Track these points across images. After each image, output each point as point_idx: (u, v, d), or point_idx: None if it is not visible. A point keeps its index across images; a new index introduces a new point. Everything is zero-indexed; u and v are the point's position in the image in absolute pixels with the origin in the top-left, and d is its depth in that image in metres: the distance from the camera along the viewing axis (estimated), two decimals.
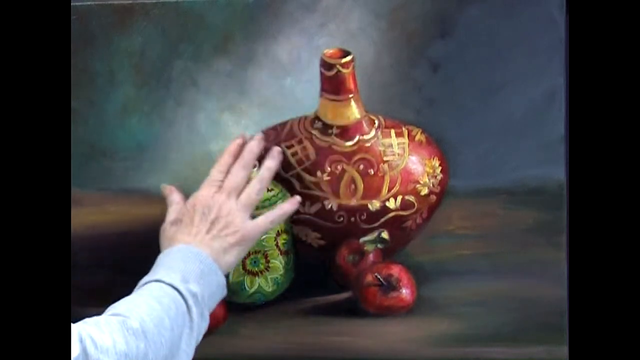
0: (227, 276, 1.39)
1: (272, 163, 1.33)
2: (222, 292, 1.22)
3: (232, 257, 1.24)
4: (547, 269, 1.40)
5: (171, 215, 1.27)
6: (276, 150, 1.35)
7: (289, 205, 1.33)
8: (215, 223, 1.24)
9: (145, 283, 1.15)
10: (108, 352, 1.03)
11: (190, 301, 1.14)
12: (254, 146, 1.34)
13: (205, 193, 1.28)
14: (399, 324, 1.40)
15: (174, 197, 1.30)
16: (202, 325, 1.16)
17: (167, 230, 1.25)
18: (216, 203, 1.26)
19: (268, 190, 1.38)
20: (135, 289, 1.15)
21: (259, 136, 1.35)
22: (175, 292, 1.14)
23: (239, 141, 1.34)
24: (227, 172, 1.30)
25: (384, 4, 1.43)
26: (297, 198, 1.34)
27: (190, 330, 1.13)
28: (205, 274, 1.18)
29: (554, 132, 1.41)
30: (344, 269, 1.44)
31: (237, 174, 1.30)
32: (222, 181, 1.29)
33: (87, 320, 1.06)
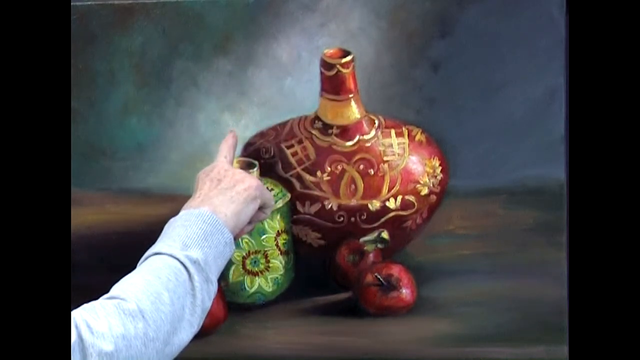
0: (226, 275, 1.40)
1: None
2: (230, 251, 1.19)
3: (240, 206, 1.21)
4: (547, 269, 1.40)
5: None
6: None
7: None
8: (221, 181, 1.23)
9: (146, 258, 1.15)
10: (104, 336, 1.02)
11: (192, 269, 1.12)
12: (229, 138, 1.33)
13: (209, 165, 1.27)
14: (399, 324, 1.40)
15: None
16: (209, 289, 1.14)
17: None
18: (217, 167, 1.25)
19: (268, 190, 1.38)
20: (137, 265, 1.15)
21: (231, 133, 1.34)
22: (175, 261, 1.12)
23: (230, 134, 1.34)
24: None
25: (384, 3, 1.43)
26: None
27: (193, 299, 1.12)
28: (209, 234, 1.16)
29: (554, 132, 1.41)
30: (344, 269, 1.44)
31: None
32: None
33: (84, 306, 1.06)
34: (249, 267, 1.40)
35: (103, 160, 1.49)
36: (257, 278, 1.41)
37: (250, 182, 1.23)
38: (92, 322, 1.03)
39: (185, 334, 1.11)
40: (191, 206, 1.20)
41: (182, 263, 1.12)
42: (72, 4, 1.41)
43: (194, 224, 1.16)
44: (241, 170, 1.26)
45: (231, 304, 1.41)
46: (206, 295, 1.13)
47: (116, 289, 1.10)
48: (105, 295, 1.09)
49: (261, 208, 1.26)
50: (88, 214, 1.49)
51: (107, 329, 1.03)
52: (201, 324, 1.14)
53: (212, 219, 1.17)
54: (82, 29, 1.45)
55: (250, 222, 1.26)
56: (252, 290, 1.42)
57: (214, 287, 1.15)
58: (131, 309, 1.06)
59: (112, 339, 1.03)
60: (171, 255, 1.12)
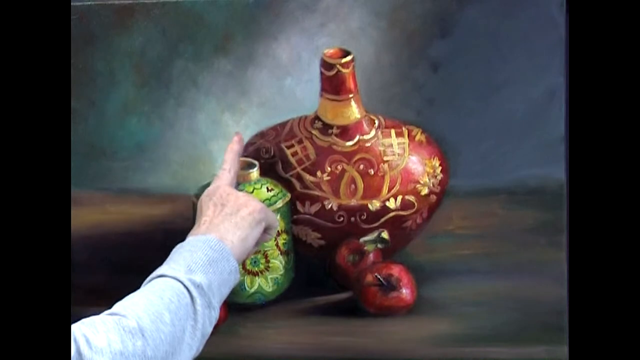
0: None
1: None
2: (234, 279, 1.19)
3: (246, 231, 1.21)
4: (547, 269, 1.40)
5: None
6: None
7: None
8: (224, 206, 1.23)
9: (151, 279, 1.15)
10: (103, 352, 1.02)
11: (195, 292, 1.12)
12: (234, 143, 1.32)
13: (212, 186, 1.27)
14: (399, 324, 1.40)
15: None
16: (210, 315, 1.14)
17: None
18: (219, 191, 1.25)
19: (268, 190, 1.38)
20: (142, 286, 1.15)
21: (237, 137, 1.34)
22: (179, 284, 1.12)
23: (236, 139, 1.33)
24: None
25: (384, 3, 1.43)
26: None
27: (194, 323, 1.12)
28: (215, 261, 1.16)
29: (554, 132, 1.41)
30: (344, 268, 1.44)
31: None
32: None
33: (83, 320, 1.06)
34: (249, 267, 1.40)
35: (103, 160, 1.49)
36: (257, 278, 1.41)
37: (254, 205, 1.23)
38: (91, 337, 1.03)
39: (184, 357, 1.11)
40: (198, 233, 1.20)
41: (185, 286, 1.12)
42: (72, 4, 1.41)
43: (200, 250, 1.16)
44: (244, 193, 1.26)
45: (231, 304, 1.41)
46: (207, 320, 1.13)
47: (118, 306, 1.10)
48: (106, 312, 1.09)
49: (266, 229, 1.26)
50: (88, 214, 1.49)
51: (105, 345, 1.03)
52: (201, 349, 1.14)
53: (219, 246, 1.17)
54: (82, 29, 1.45)
55: (255, 244, 1.26)
56: (252, 290, 1.42)
57: (215, 314, 1.15)
58: (131, 326, 1.05)
59: (110, 355, 1.02)
60: (175, 278, 1.13)
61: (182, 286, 1.12)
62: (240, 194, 1.25)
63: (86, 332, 1.03)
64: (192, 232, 1.22)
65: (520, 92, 1.42)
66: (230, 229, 1.20)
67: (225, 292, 1.18)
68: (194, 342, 1.12)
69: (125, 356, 1.04)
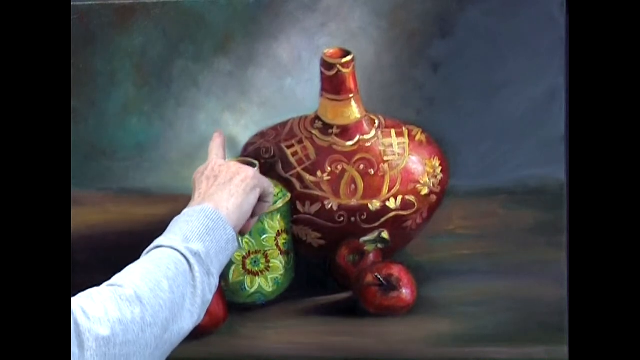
0: (226, 275, 1.40)
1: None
2: (232, 248, 1.20)
3: (240, 198, 1.23)
4: (547, 269, 1.40)
5: None
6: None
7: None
8: (217, 177, 1.24)
9: (148, 251, 1.15)
10: (100, 321, 1.02)
11: (192, 260, 1.13)
12: (216, 137, 1.35)
13: (203, 165, 1.29)
14: (399, 324, 1.40)
15: None
16: (210, 282, 1.15)
17: None
18: (210, 164, 1.27)
19: None
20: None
21: (217, 132, 1.37)
22: (176, 253, 1.13)
23: (217, 134, 1.36)
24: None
25: (384, 3, 1.43)
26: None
27: (194, 289, 1.12)
28: (211, 229, 1.17)
29: (554, 132, 1.41)
30: (344, 268, 1.44)
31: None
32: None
33: (80, 294, 1.06)
34: (249, 267, 1.41)
35: (103, 160, 1.49)
36: (257, 278, 1.41)
37: (246, 172, 1.25)
38: (87, 307, 1.03)
39: (185, 323, 1.11)
40: (193, 205, 1.21)
41: (182, 254, 1.13)
42: (72, 3, 1.41)
43: (196, 220, 1.17)
44: (235, 162, 1.27)
45: (231, 304, 1.41)
46: (207, 287, 1.14)
47: (115, 278, 1.11)
48: (104, 283, 1.10)
49: (262, 198, 1.27)
50: (88, 214, 1.49)
51: (103, 314, 1.03)
52: (202, 315, 1.14)
53: (214, 215, 1.18)
54: (82, 28, 1.45)
55: (254, 214, 1.27)
56: (252, 290, 1.42)
57: (215, 281, 1.16)
58: (128, 294, 1.06)
59: (108, 324, 1.03)
60: (172, 247, 1.13)
61: (179, 254, 1.13)
62: (231, 163, 1.27)
63: (82, 303, 1.03)
64: (188, 206, 1.22)
65: (520, 92, 1.42)
66: (225, 197, 1.22)
67: (224, 260, 1.19)
68: (195, 308, 1.12)
69: (124, 323, 1.04)
